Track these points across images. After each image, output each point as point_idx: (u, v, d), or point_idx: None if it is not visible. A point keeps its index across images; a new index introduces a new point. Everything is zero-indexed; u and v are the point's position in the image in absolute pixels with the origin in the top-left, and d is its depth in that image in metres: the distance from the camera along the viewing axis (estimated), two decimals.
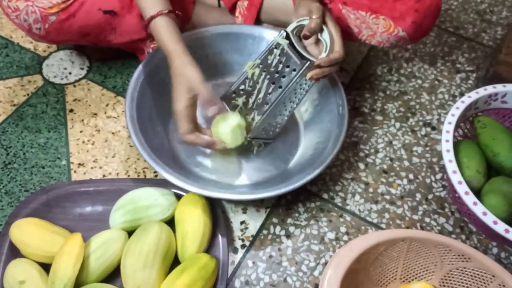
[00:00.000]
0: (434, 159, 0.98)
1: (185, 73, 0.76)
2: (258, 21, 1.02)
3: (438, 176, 0.96)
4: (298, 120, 0.99)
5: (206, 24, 1.03)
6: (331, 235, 0.87)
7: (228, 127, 0.81)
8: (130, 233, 0.80)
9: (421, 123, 1.04)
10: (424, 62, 1.15)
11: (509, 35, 1.05)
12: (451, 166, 0.82)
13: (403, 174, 0.96)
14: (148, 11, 0.80)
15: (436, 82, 1.11)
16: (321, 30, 0.80)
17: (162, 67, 0.92)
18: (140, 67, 0.90)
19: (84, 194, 0.86)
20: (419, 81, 1.11)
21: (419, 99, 1.08)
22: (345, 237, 0.87)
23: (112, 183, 0.88)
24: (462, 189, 0.80)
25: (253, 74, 0.84)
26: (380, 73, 1.12)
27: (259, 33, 0.98)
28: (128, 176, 0.92)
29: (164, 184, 0.86)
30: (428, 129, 1.03)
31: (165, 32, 0.79)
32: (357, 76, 1.11)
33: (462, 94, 1.09)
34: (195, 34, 0.96)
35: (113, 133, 0.98)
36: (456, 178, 0.81)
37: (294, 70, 0.80)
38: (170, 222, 0.82)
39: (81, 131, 0.98)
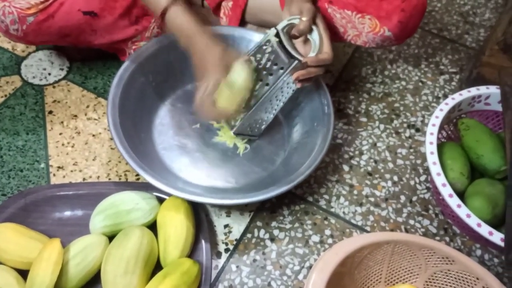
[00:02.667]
0: (418, 161, 0.98)
1: (214, 49, 0.77)
2: (243, 22, 1.01)
3: (422, 178, 0.96)
4: (282, 121, 0.98)
5: None
6: (315, 238, 0.87)
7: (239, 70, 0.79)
8: (111, 238, 0.78)
9: (405, 125, 1.04)
10: (408, 63, 1.16)
11: (492, 37, 1.05)
12: (435, 168, 0.82)
13: (387, 176, 0.96)
14: (159, 5, 0.78)
15: (420, 84, 1.12)
16: (311, 30, 0.79)
17: (142, 72, 0.91)
18: (119, 72, 0.88)
19: (64, 198, 0.84)
20: (403, 83, 1.12)
21: (403, 101, 1.08)
22: (330, 240, 0.87)
23: (93, 187, 0.86)
24: (446, 191, 0.80)
25: None
26: (364, 75, 1.12)
27: (239, 34, 0.97)
28: (109, 179, 0.91)
29: (146, 187, 0.84)
30: (412, 131, 1.03)
31: (181, 19, 0.78)
32: (341, 77, 1.11)
33: (445, 96, 1.09)
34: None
35: (93, 135, 0.96)
36: (440, 180, 0.81)
37: (282, 68, 0.80)
38: (152, 227, 0.81)
39: (60, 133, 0.96)
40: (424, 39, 1.21)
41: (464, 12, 1.29)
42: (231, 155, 0.92)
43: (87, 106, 1.01)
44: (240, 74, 0.77)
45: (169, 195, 0.81)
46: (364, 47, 1.15)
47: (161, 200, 0.83)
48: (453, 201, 0.78)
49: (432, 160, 0.83)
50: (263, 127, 0.91)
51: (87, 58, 1.06)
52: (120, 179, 0.91)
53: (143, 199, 0.81)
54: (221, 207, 0.89)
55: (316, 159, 0.82)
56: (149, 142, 0.91)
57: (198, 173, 0.89)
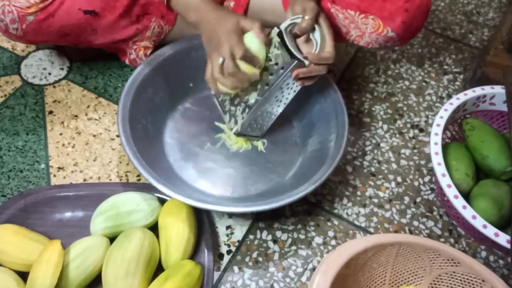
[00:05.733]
0: (422, 162, 0.97)
1: (227, 18, 0.74)
2: None
3: (427, 178, 0.95)
4: (295, 124, 0.97)
5: (190, 27, 1.00)
6: (318, 240, 0.86)
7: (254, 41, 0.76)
8: (111, 239, 0.77)
9: (408, 125, 1.03)
10: (411, 63, 1.15)
11: (497, 37, 1.04)
12: (440, 169, 0.81)
13: (391, 177, 0.95)
14: None
15: (424, 84, 1.11)
16: (313, 30, 0.78)
17: (147, 84, 0.90)
18: (125, 90, 0.86)
19: (64, 199, 0.83)
20: (407, 83, 1.11)
21: (406, 101, 1.07)
22: (333, 242, 0.86)
23: (93, 188, 0.85)
24: (451, 192, 0.78)
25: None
26: (367, 75, 1.11)
27: None
28: (110, 180, 0.90)
29: (147, 188, 0.83)
30: (416, 131, 1.02)
31: None
32: (344, 77, 1.10)
33: (449, 96, 1.08)
34: (182, 44, 0.94)
35: (94, 136, 0.96)
36: (445, 181, 0.80)
37: (283, 68, 0.79)
38: (154, 228, 0.80)
39: (61, 134, 0.95)
40: (428, 39, 1.20)
41: (467, 11, 1.28)
42: (247, 162, 0.91)
43: (88, 106, 1.00)
44: (253, 42, 0.74)
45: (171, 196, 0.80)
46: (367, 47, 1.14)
47: (162, 201, 0.82)
48: (459, 203, 0.77)
49: (437, 160, 0.82)
50: (265, 128, 0.90)
51: (87, 58, 1.05)
52: (121, 179, 0.90)
53: (145, 200, 0.81)
54: None
55: (331, 165, 0.81)
56: (163, 160, 0.89)
57: (211, 182, 0.88)
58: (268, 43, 0.77)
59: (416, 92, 1.09)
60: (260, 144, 0.92)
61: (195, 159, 0.91)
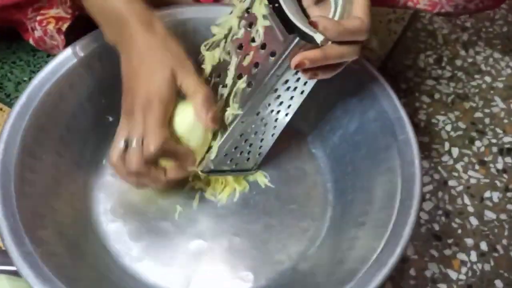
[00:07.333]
0: None
1: (168, 47, 0.51)
2: None
3: None
4: (314, 151, 0.62)
5: None
6: None
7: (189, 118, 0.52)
8: None
9: (494, 149, 0.72)
10: (493, 48, 0.84)
11: None
12: None
13: (469, 241, 0.64)
14: None
15: None
16: None
17: (69, 88, 0.56)
18: (26, 92, 0.54)
19: None
20: (488, 79, 0.80)
21: (488, 108, 0.77)
22: None
23: None
24: None
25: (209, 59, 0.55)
26: (423, 66, 0.81)
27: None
28: None
29: None
30: (508, 159, 0.70)
31: None
32: (386, 69, 0.80)
33: None
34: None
35: None
36: None
37: (274, 54, 0.46)
38: None
39: None
40: None
41: None
42: (254, 217, 0.57)
43: None
44: (185, 122, 0.51)
45: None
46: (425, 19, 0.85)
47: None
48: None
49: None
50: (257, 156, 0.58)
51: None
52: None
53: None
54: None
55: (400, 241, 0.47)
56: (82, 221, 0.56)
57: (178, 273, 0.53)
58: (215, 126, 0.51)
59: (504, 95, 0.78)
60: (260, 177, 0.60)
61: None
